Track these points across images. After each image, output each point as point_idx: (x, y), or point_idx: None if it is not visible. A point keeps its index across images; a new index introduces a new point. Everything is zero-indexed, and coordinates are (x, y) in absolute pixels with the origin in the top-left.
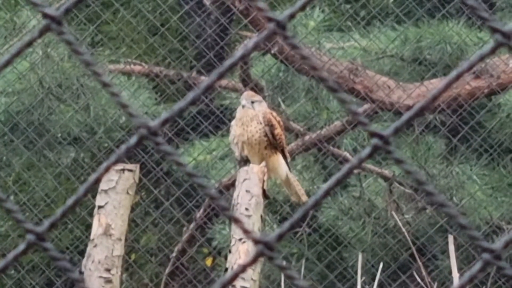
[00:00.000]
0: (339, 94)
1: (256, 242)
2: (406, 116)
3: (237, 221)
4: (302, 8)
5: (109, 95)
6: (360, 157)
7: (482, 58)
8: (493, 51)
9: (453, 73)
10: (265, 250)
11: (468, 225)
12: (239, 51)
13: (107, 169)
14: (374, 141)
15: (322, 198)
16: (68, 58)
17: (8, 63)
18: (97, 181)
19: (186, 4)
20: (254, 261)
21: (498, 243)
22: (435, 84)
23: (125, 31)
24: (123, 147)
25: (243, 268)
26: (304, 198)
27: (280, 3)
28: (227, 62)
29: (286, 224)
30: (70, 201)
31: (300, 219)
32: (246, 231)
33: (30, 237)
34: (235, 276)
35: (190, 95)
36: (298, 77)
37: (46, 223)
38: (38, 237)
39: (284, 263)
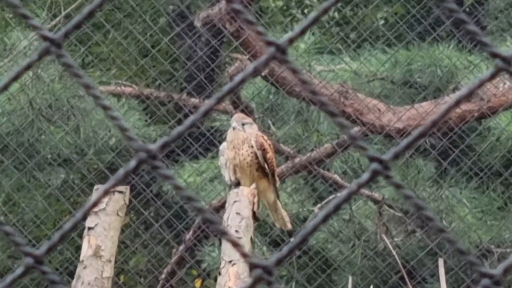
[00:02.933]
0: (338, 119)
1: (254, 266)
2: (405, 141)
3: (236, 244)
4: (302, 32)
5: (101, 117)
6: (359, 182)
7: (482, 84)
8: (493, 77)
9: (453, 99)
10: (264, 274)
11: (466, 251)
12: (238, 76)
13: (105, 193)
14: (374, 165)
15: (321, 223)
16: (59, 79)
17: (6, 86)
18: (95, 204)
19: (177, 26)
20: (252, 286)
21: (497, 269)
22: (426, 107)
23: (116, 53)
24: (121, 170)
25: None
26: (289, 225)
27: (271, 25)
28: (227, 86)
29: (285, 249)
30: (68, 225)
31: (298, 244)
32: (244, 255)
33: (28, 260)
34: None
35: (189, 119)
36: (288, 99)
37: (44, 246)
38: (36, 260)
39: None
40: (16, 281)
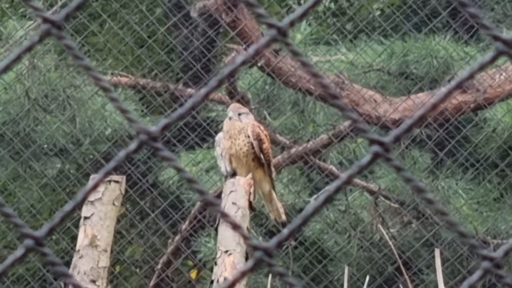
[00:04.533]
0: (339, 101)
1: (255, 248)
2: (406, 123)
3: (236, 227)
4: (302, 15)
5: (97, 107)
6: (361, 165)
7: (482, 67)
8: (493, 60)
9: (453, 83)
10: (265, 256)
11: (468, 234)
12: (239, 57)
13: (106, 175)
14: (374, 148)
15: (323, 205)
16: (55, 69)
17: (7, 68)
18: (96, 186)
19: (173, 16)
20: (254, 268)
21: (498, 251)
22: (422, 98)
23: (112, 43)
24: (122, 152)
25: (242, 275)
26: (283, 216)
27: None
28: (227, 69)
29: (286, 231)
30: (68, 206)
31: (299, 226)
32: (245, 237)
33: (28, 242)
34: (235, 282)
35: (190, 102)
36: (284, 90)
37: (45, 227)
38: (37, 242)
39: (270, 276)
40: (16, 263)
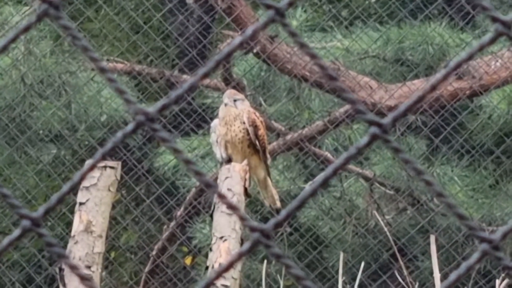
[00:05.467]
0: (337, 83)
1: (252, 229)
2: (404, 105)
3: (234, 208)
4: None
5: (92, 93)
6: (359, 146)
7: (481, 48)
8: (492, 41)
9: (451, 64)
10: (262, 238)
11: (466, 216)
12: (237, 38)
13: (103, 157)
14: (373, 129)
15: (320, 186)
16: (50, 55)
17: (4, 48)
18: (93, 167)
19: (169, 2)
20: (251, 249)
21: (496, 233)
22: (417, 84)
23: (108, 29)
24: (119, 133)
25: (239, 257)
26: (278, 203)
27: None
28: (225, 50)
29: (283, 213)
30: (66, 187)
31: (297, 208)
32: (242, 219)
33: (25, 223)
34: (230, 265)
35: (188, 82)
36: (280, 76)
37: (41, 208)
38: (33, 222)
39: (265, 263)
40: (13, 244)
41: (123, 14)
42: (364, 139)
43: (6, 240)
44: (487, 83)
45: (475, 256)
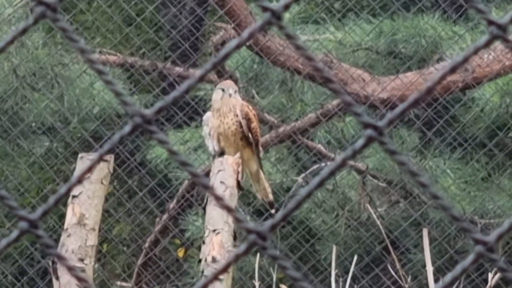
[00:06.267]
0: (334, 85)
1: (249, 231)
2: (400, 108)
3: (229, 210)
4: None
5: (85, 85)
6: (355, 148)
7: (476, 51)
8: (488, 44)
9: (447, 66)
10: (258, 240)
11: (461, 217)
12: (234, 40)
13: (100, 158)
14: (368, 132)
15: (315, 189)
16: (43, 47)
17: (2, 50)
18: (90, 169)
19: None
20: (248, 251)
21: (491, 235)
22: (410, 77)
23: (100, 21)
24: (117, 134)
25: (236, 259)
26: (270, 196)
27: None
28: (222, 52)
29: (279, 215)
30: (63, 189)
31: (292, 210)
32: (238, 220)
33: (23, 224)
34: (227, 267)
35: (185, 84)
36: (272, 69)
37: (39, 210)
38: (31, 224)
39: (258, 255)
40: (11, 245)
41: (115, 6)
42: (360, 142)
43: (4, 241)
44: (479, 76)
45: (470, 258)
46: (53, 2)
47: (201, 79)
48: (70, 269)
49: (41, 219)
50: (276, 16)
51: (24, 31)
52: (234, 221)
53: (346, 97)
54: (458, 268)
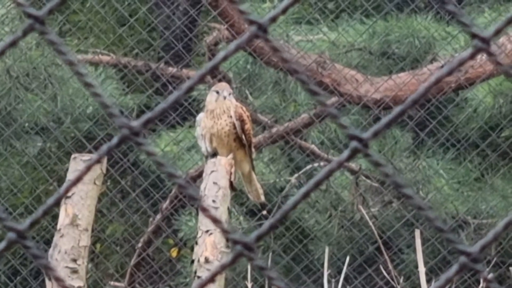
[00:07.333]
0: (320, 97)
1: (235, 242)
2: (385, 120)
3: (216, 221)
4: (284, 11)
5: (78, 85)
6: (340, 160)
7: (461, 64)
8: (472, 57)
9: (432, 79)
10: (244, 250)
11: (446, 229)
12: (220, 53)
13: (88, 169)
14: (353, 144)
15: (301, 199)
16: (36, 47)
17: None
18: (78, 180)
19: None
20: (233, 262)
21: (475, 246)
22: (403, 78)
23: (94, 21)
24: (104, 146)
25: (221, 269)
26: (262, 198)
27: None
28: (209, 64)
29: (266, 225)
30: (51, 200)
31: (278, 220)
32: (224, 231)
33: (11, 235)
34: (212, 277)
35: (172, 96)
36: (266, 69)
37: (27, 221)
38: (19, 235)
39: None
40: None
41: (109, 7)
42: (345, 153)
43: None
44: (472, 76)
45: (454, 268)
46: (42, 15)
47: (188, 91)
48: (58, 280)
49: (30, 229)
50: (262, 29)
51: (13, 44)
52: (226, 220)
53: (331, 109)
54: (442, 278)
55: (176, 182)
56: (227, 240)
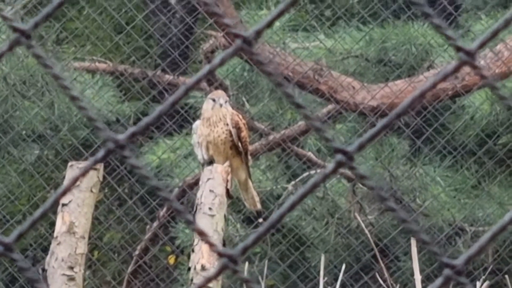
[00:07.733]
0: (304, 110)
1: (220, 255)
2: (369, 133)
3: (201, 234)
4: (269, 24)
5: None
6: (324, 173)
7: (445, 77)
8: (456, 70)
9: (417, 92)
10: (229, 263)
11: (430, 241)
12: (206, 67)
13: (75, 181)
14: (338, 157)
15: (288, 211)
16: (33, 55)
17: None
18: (64, 193)
19: (152, 2)
20: (218, 274)
21: (459, 259)
22: (400, 85)
23: (90, 29)
24: (91, 160)
25: (207, 282)
26: (258, 205)
27: (246, 1)
28: (194, 78)
29: (251, 238)
30: (38, 212)
31: (264, 233)
32: (210, 244)
33: None
34: (201, 287)
35: (157, 111)
36: (262, 77)
37: (14, 233)
38: (6, 248)
39: (247, 263)
40: None
41: (105, 14)
42: (330, 166)
43: None
44: (469, 83)
45: (439, 281)
46: (28, 29)
47: (174, 104)
48: None
49: (16, 242)
50: (247, 42)
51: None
52: (222, 228)
53: (316, 123)
54: None
55: (161, 195)
56: (223, 245)
